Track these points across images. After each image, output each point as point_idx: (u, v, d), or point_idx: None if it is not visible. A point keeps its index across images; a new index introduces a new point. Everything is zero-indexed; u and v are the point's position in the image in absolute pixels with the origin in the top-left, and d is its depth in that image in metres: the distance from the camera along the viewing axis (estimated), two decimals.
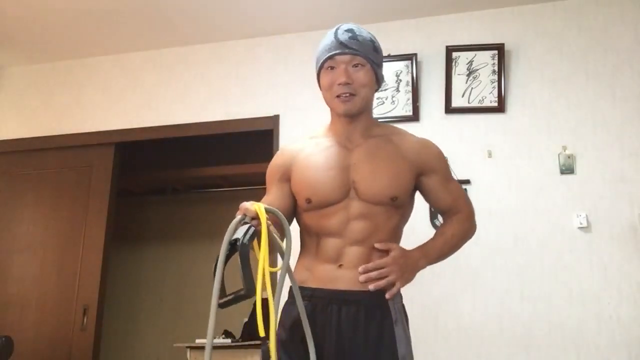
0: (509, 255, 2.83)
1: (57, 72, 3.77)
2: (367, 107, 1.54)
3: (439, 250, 1.54)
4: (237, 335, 3.42)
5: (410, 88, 3.14)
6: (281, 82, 3.33)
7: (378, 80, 1.55)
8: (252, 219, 1.23)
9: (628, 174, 2.81)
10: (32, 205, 3.56)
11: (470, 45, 3.12)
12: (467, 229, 1.60)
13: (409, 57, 3.18)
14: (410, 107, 3.12)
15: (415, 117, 3.10)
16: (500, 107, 3.02)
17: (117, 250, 3.93)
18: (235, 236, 1.19)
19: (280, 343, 1.37)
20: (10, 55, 3.72)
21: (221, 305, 1.16)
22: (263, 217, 1.22)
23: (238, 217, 1.23)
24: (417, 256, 1.48)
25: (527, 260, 2.81)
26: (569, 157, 2.88)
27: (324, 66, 1.50)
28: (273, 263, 1.23)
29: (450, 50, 3.13)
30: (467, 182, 2.95)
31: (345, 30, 1.50)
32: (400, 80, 3.16)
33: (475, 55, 3.10)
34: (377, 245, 1.43)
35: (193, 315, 4.30)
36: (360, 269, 1.40)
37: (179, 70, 3.56)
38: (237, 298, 1.17)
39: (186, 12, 3.21)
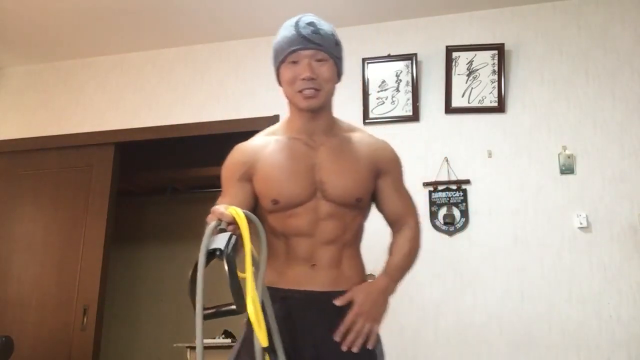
0: (509, 255, 2.83)
1: (57, 72, 3.77)
2: (329, 103, 1.51)
3: (403, 270, 1.49)
4: (237, 335, 3.42)
5: (410, 88, 3.14)
6: None
7: (339, 75, 1.52)
8: (229, 224, 1.14)
9: (628, 174, 2.82)
10: (32, 205, 3.56)
11: (470, 45, 3.12)
12: (418, 246, 1.55)
13: (409, 57, 3.18)
14: (410, 107, 3.12)
15: (415, 117, 3.10)
16: (500, 107, 3.02)
17: (117, 250, 3.92)
18: (215, 245, 1.09)
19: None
20: (10, 55, 3.72)
21: (206, 317, 1.09)
22: (244, 223, 1.14)
23: (213, 223, 1.14)
24: (384, 284, 1.43)
25: (527, 260, 2.81)
26: (569, 157, 2.88)
27: (286, 60, 1.46)
28: (241, 269, 1.14)
29: (450, 50, 3.13)
30: (467, 182, 2.95)
31: (307, 24, 1.46)
32: (400, 80, 3.16)
33: (475, 55, 3.10)
34: (337, 303, 1.38)
35: (193, 315, 4.28)
36: (336, 337, 1.34)
37: (179, 70, 3.56)
38: (226, 312, 1.10)
39: (186, 12, 3.21)
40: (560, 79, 3.01)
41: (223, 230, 1.13)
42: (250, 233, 1.17)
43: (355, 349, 1.34)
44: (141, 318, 4.57)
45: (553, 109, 2.98)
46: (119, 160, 3.58)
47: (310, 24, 1.46)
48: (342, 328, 1.35)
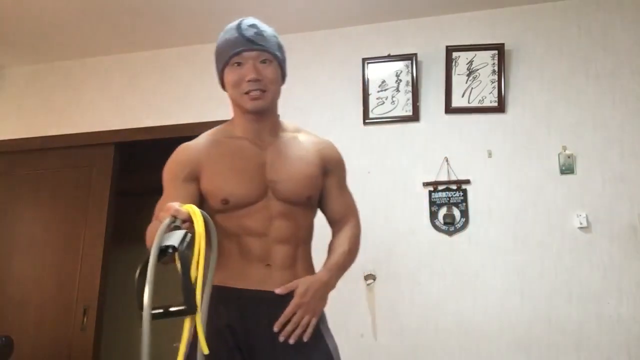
0: (509, 255, 2.83)
1: (57, 72, 3.77)
2: (274, 105, 1.52)
3: (342, 266, 1.51)
4: None
5: (410, 88, 3.14)
6: None
7: (283, 77, 1.52)
8: (184, 221, 1.11)
9: (628, 174, 2.82)
10: (32, 205, 3.56)
11: (470, 45, 3.12)
12: (358, 245, 1.58)
13: (409, 57, 3.18)
14: (410, 107, 3.12)
15: (415, 117, 3.10)
16: (500, 107, 3.02)
17: (117, 250, 3.92)
18: (169, 242, 1.05)
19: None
20: (10, 55, 3.71)
21: (155, 317, 1.05)
22: (201, 220, 1.10)
23: (167, 220, 1.10)
24: (326, 279, 1.43)
25: (527, 260, 2.81)
26: (569, 157, 2.88)
27: (230, 62, 1.45)
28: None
29: (450, 50, 3.13)
30: (467, 182, 2.95)
31: (249, 26, 1.46)
32: (400, 80, 3.16)
33: (475, 55, 3.10)
34: (277, 291, 1.38)
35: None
36: (275, 328, 1.35)
37: (179, 70, 3.56)
38: (176, 313, 1.08)
39: (186, 12, 3.21)
40: (560, 79, 3.01)
41: (177, 228, 1.10)
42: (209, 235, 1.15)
43: (291, 340, 1.34)
44: None
45: (553, 109, 2.98)
46: (119, 160, 3.58)
47: (253, 26, 1.46)
48: (281, 319, 1.35)
